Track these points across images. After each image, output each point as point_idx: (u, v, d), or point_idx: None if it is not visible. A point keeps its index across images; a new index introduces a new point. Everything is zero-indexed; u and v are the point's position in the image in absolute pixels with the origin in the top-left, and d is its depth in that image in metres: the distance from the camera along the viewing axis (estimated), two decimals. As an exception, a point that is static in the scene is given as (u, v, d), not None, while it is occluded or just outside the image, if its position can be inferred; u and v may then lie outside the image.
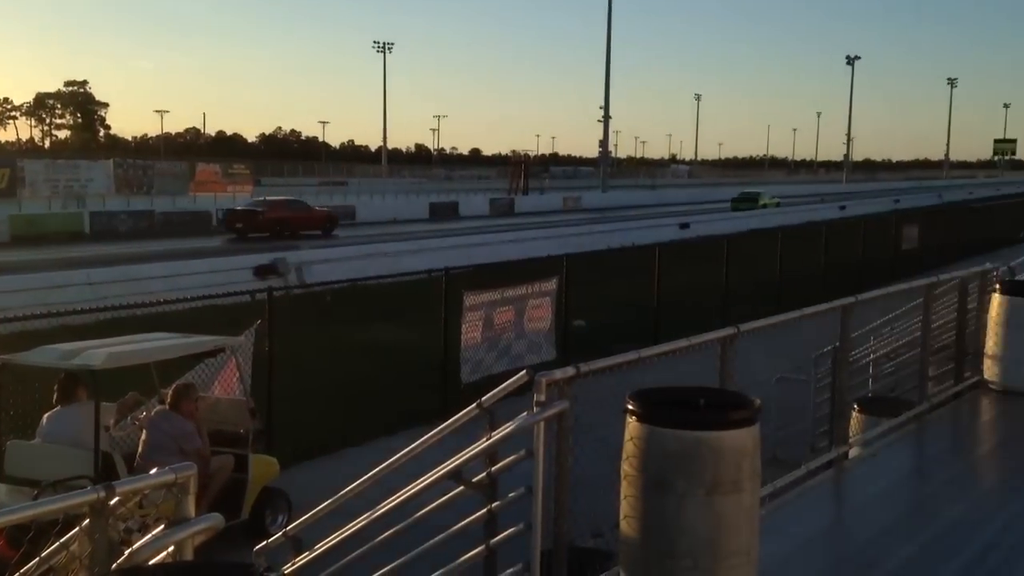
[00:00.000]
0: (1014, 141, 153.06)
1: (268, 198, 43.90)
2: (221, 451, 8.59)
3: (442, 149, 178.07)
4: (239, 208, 41.24)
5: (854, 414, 8.16)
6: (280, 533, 5.88)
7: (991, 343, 8.82)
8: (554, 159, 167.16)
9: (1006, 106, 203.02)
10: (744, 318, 5.77)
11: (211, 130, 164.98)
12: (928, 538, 5.48)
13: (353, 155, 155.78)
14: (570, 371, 4.32)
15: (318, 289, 16.48)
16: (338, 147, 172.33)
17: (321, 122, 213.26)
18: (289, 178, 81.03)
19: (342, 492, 5.16)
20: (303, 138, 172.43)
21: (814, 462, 6.72)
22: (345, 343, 14.80)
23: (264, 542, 5.96)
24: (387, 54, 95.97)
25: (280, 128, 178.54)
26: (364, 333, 15.62)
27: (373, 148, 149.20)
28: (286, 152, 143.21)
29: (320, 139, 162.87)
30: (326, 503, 5.26)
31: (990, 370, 8.85)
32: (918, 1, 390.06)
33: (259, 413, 9.32)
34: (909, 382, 9.16)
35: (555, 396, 4.26)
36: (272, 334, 10.52)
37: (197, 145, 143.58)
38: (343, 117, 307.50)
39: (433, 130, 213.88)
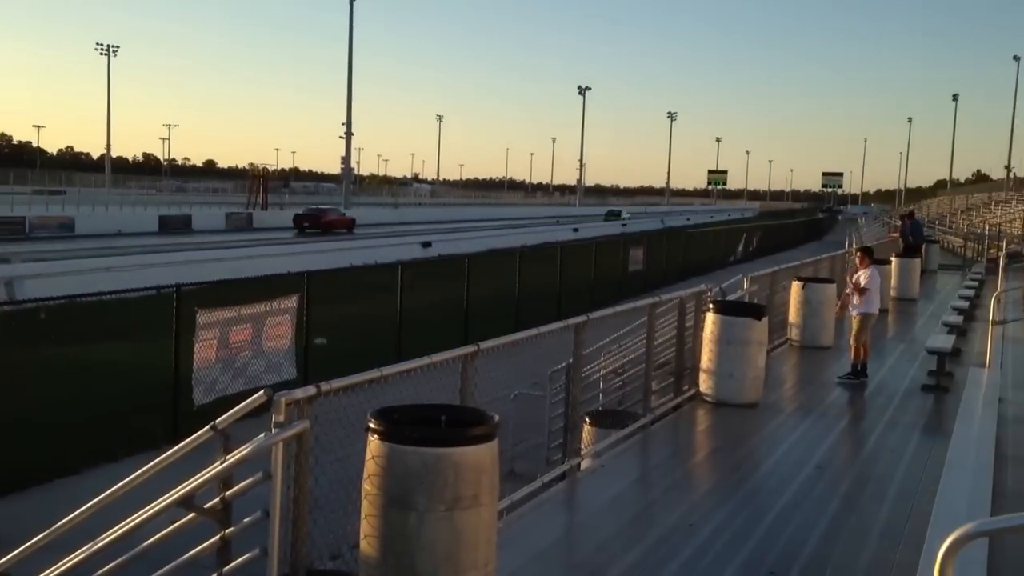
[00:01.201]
0: (725, 172, 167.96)
1: (320, 206, 62.04)
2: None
3: (173, 159, 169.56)
4: (303, 212, 57.23)
5: (586, 427, 8.57)
6: (-17, 573, 5.35)
7: (705, 358, 9.57)
8: (295, 174, 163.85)
9: (718, 140, 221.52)
10: (484, 335, 5.90)
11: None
12: (650, 543, 5.84)
13: (72, 163, 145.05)
14: (311, 390, 4.25)
15: (31, 305, 15.17)
16: (55, 153, 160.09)
17: (36, 126, 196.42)
18: (-3, 185, 73.88)
19: (57, 524, 4.76)
20: (15, 143, 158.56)
21: (548, 475, 7.00)
22: (63, 364, 13.72)
23: (-36, 584, 5.39)
24: (112, 57, 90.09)
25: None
26: (85, 353, 14.55)
27: (95, 156, 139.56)
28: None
29: (35, 144, 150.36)
30: (38, 537, 4.84)
31: (705, 383, 9.59)
32: (641, 37, 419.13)
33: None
34: (635, 396, 9.74)
35: (295, 416, 4.17)
36: (-24, 355, 9.60)
37: None
38: (61, 122, 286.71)
39: (163, 139, 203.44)
